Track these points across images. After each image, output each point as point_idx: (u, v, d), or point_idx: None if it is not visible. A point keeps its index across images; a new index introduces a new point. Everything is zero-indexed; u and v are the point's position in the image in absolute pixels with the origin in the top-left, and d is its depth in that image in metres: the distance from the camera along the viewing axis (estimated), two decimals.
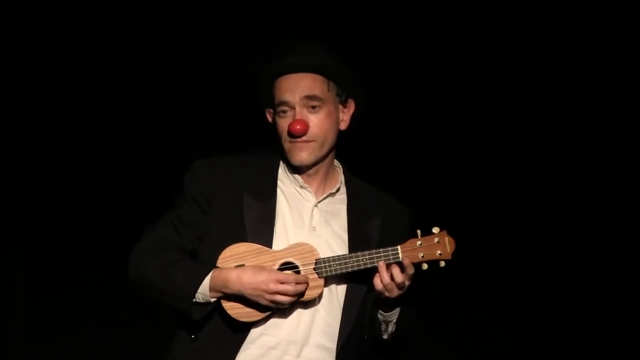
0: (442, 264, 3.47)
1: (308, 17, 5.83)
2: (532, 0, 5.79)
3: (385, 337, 3.53)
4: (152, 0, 5.83)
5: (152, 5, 5.82)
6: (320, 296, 3.46)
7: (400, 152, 5.81)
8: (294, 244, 3.46)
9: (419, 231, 3.45)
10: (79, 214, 5.98)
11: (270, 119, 3.63)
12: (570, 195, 5.93)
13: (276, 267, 3.43)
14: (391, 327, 3.52)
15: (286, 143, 3.52)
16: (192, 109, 5.99)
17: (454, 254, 3.46)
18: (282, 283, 3.34)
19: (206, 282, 3.39)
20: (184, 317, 3.47)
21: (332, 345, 3.48)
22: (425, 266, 3.45)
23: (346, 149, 3.65)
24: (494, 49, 5.85)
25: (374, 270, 3.41)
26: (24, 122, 5.87)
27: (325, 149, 3.53)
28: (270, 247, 3.46)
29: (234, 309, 3.43)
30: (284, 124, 3.52)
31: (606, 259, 5.89)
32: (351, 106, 3.60)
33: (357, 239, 3.52)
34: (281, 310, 3.43)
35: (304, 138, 3.48)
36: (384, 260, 3.41)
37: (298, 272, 3.43)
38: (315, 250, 3.44)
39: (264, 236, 3.46)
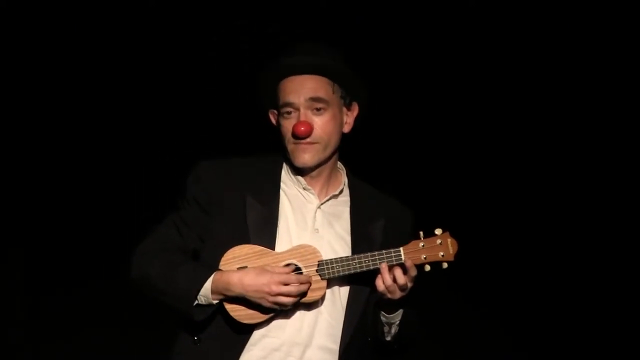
0: (445, 265, 3.46)
1: (308, 17, 5.82)
2: (532, 0, 5.77)
3: (388, 338, 3.53)
4: (152, 0, 5.81)
5: (152, 5, 5.81)
6: (323, 298, 3.46)
7: (402, 154, 5.81)
8: (297, 246, 3.46)
9: (421, 233, 3.45)
10: (79, 214, 5.98)
11: (273, 120, 3.62)
12: (570, 195, 5.93)
13: None
14: (394, 329, 3.51)
15: (290, 144, 3.52)
16: (192, 109, 5.98)
17: (456, 255, 3.46)
18: (284, 284, 3.34)
19: (208, 284, 3.39)
20: (186, 318, 3.47)
21: (335, 346, 3.49)
22: (427, 268, 3.45)
23: (349, 151, 3.65)
24: (494, 49, 5.84)
25: (377, 272, 3.41)
26: (24, 122, 5.85)
27: (328, 151, 3.53)
28: (273, 249, 3.46)
29: (237, 311, 3.43)
30: (288, 125, 3.51)
31: (606, 259, 5.89)
32: (355, 109, 3.61)
33: (360, 240, 3.52)
34: (284, 312, 3.43)
35: (308, 140, 3.48)
36: (387, 262, 3.41)
37: (300, 274, 3.43)
38: (318, 252, 3.44)
39: (267, 238, 3.46)
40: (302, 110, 3.49)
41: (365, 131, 3.66)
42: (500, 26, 5.84)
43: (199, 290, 3.40)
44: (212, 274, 3.40)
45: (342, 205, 3.60)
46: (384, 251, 3.42)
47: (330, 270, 3.42)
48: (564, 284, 5.93)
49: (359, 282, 3.49)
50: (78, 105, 5.91)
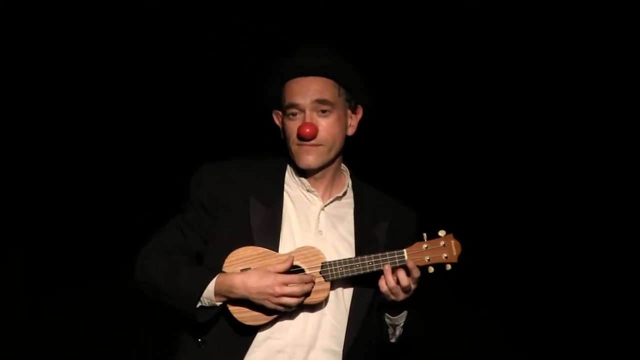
0: (449, 267, 3.47)
1: (308, 17, 5.81)
2: (532, 0, 5.77)
3: (392, 340, 3.53)
4: (152, 0, 5.80)
5: (152, 5, 5.80)
6: (326, 300, 3.46)
7: (406, 156, 5.81)
8: (300, 248, 3.46)
9: (425, 234, 3.46)
10: (79, 214, 5.97)
11: (277, 121, 3.63)
12: (569, 197, 5.93)
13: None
14: (399, 331, 3.51)
15: (294, 146, 3.52)
16: (191, 109, 5.97)
17: (460, 257, 3.46)
18: (287, 285, 3.34)
19: (211, 286, 3.39)
20: (189, 320, 3.47)
21: (339, 348, 3.49)
22: (431, 269, 3.46)
23: (352, 153, 3.65)
24: (494, 49, 5.84)
25: (381, 273, 3.41)
26: (24, 122, 5.85)
27: (332, 154, 3.53)
28: (277, 250, 3.46)
29: (240, 313, 3.43)
30: (293, 126, 3.51)
31: (605, 259, 5.89)
32: (359, 112, 3.61)
33: (364, 242, 3.52)
34: (288, 314, 3.43)
35: (312, 142, 3.48)
36: (390, 264, 3.41)
37: (304, 274, 3.43)
38: (321, 253, 3.44)
39: (271, 240, 3.46)
40: (307, 112, 3.49)
41: (368, 133, 3.65)
42: (500, 26, 5.83)
43: (202, 293, 3.40)
44: (215, 276, 3.40)
45: (346, 207, 3.60)
46: (387, 253, 3.43)
47: (334, 272, 3.42)
48: (564, 285, 5.93)
49: (363, 283, 3.49)
50: (78, 105, 5.90)
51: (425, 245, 3.45)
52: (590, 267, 5.91)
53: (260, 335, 3.45)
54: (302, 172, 3.57)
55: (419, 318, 3.55)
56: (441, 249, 3.46)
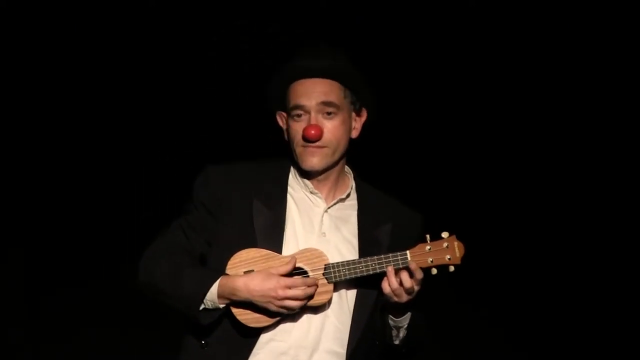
0: (452, 268, 3.47)
1: (308, 17, 5.81)
2: (532, 0, 5.77)
3: (396, 342, 3.53)
4: (152, 0, 5.80)
5: (152, 5, 5.80)
6: (329, 301, 3.46)
7: (408, 158, 5.81)
8: (303, 250, 3.46)
9: (428, 236, 3.45)
10: (80, 214, 5.97)
11: (280, 122, 3.62)
12: (569, 197, 5.94)
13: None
14: (402, 333, 3.52)
15: (298, 147, 3.52)
16: (191, 109, 5.97)
17: (463, 258, 3.46)
18: (290, 288, 3.34)
19: (214, 289, 3.39)
20: (192, 322, 3.47)
21: (342, 350, 3.49)
22: (434, 271, 3.46)
23: (356, 155, 3.65)
24: (494, 49, 5.84)
25: (384, 275, 3.41)
26: (24, 122, 5.85)
27: (336, 156, 3.53)
28: (280, 252, 3.46)
29: (243, 315, 3.43)
30: (298, 127, 3.51)
31: (605, 260, 5.90)
32: (364, 115, 3.61)
33: (367, 244, 3.52)
34: (291, 316, 3.43)
35: (317, 143, 3.48)
36: (393, 265, 3.41)
37: (307, 277, 3.43)
38: (324, 255, 3.44)
39: (274, 242, 3.46)
40: (313, 113, 3.49)
41: (372, 135, 3.65)
42: (500, 26, 5.83)
43: (205, 295, 3.39)
44: (218, 279, 3.39)
45: (350, 209, 3.60)
46: (390, 254, 3.43)
47: (337, 274, 3.42)
48: (564, 285, 5.94)
49: (366, 285, 3.49)
50: (78, 105, 5.90)
51: (428, 247, 3.45)
52: (590, 267, 5.92)
53: (263, 337, 3.45)
54: (305, 174, 3.56)
55: (423, 320, 3.55)
56: (444, 250, 3.46)
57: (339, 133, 3.50)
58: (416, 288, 3.42)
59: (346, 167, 3.65)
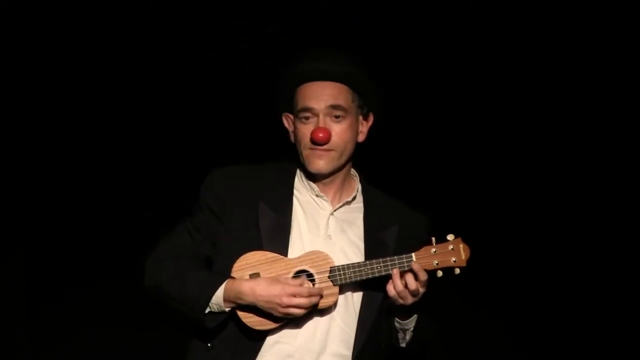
0: (457, 271, 3.48)
1: (308, 17, 5.81)
2: (532, 0, 5.78)
3: (403, 345, 3.53)
4: (152, 0, 5.79)
5: (152, 5, 5.79)
6: (335, 304, 3.46)
7: (415, 160, 5.81)
8: (309, 252, 3.46)
9: (433, 238, 3.46)
10: (80, 215, 5.97)
11: (287, 124, 3.62)
12: (568, 198, 5.94)
13: (290, 275, 3.43)
14: (409, 335, 3.52)
15: (306, 150, 3.51)
16: (191, 109, 5.97)
17: (468, 261, 3.47)
18: (295, 296, 3.34)
19: (220, 292, 3.39)
20: (198, 325, 3.47)
21: (348, 352, 3.49)
22: (440, 273, 3.47)
23: (362, 158, 3.65)
24: (494, 50, 5.84)
25: (390, 277, 3.41)
26: (24, 122, 5.84)
27: (343, 160, 3.53)
28: (286, 255, 3.46)
29: (249, 317, 3.43)
30: (305, 130, 3.51)
31: (605, 260, 5.90)
32: (370, 119, 3.62)
33: (373, 247, 3.52)
34: (297, 319, 3.42)
35: (325, 146, 3.48)
36: (399, 268, 3.41)
37: (313, 280, 3.43)
38: (330, 258, 3.44)
39: (280, 245, 3.46)
40: (321, 116, 3.49)
41: (377, 138, 3.65)
42: (500, 26, 5.83)
43: (210, 298, 3.40)
44: (224, 282, 3.40)
45: (356, 212, 3.60)
46: (395, 257, 3.43)
47: (342, 276, 3.43)
48: (564, 285, 5.94)
49: (372, 287, 3.49)
50: (78, 105, 5.89)
51: (433, 249, 3.46)
52: (590, 268, 5.92)
53: (269, 340, 3.45)
54: (311, 177, 3.57)
55: (429, 322, 3.56)
56: (450, 252, 3.46)
57: (346, 137, 3.50)
58: (421, 290, 3.42)
59: (352, 170, 3.65)
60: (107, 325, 5.93)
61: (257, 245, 3.46)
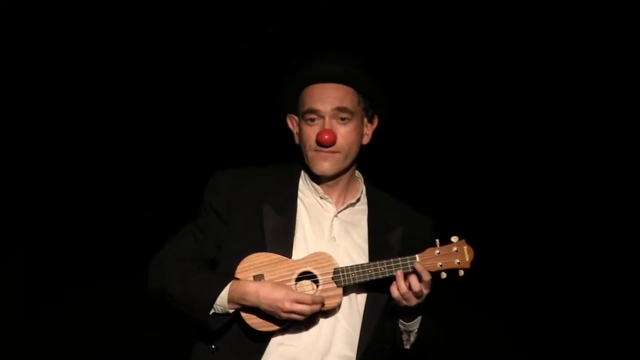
0: (461, 273, 3.48)
1: (308, 17, 5.81)
2: (532, 0, 5.78)
3: (407, 347, 3.53)
4: (152, 0, 5.79)
5: (152, 5, 5.79)
6: (339, 306, 3.46)
7: (418, 161, 5.81)
8: (313, 254, 3.47)
9: (437, 240, 3.47)
10: (80, 215, 5.97)
11: (291, 125, 3.62)
12: (568, 198, 5.94)
13: (294, 276, 3.44)
14: (413, 337, 3.52)
15: (310, 151, 3.52)
16: (191, 109, 5.96)
17: (472, 263, 3.47)
18: (297, 302, 3.35)
19: (224, 293, 3.40)
20: (202, 327, 3.47)
21: (353, 354, 3.49)
22: (444, 275, 3.47)
23: (366, 160, 3.65)
24: (494, 50, 5.84)
25: (394, 279, 3.41)
26: (25, 122, 5.84)
27: (348, 162, 3.53)
28: (290, 257, 3.46)
29: (252, 319, 3.44)
30: (311, 132, 3.51)
31: (605, 260, 5.91)
32: (375, 122, 3.62)
33: (378, 248, 3.52)
34: (301, 320, 3.42)
35: (330, 149, 3.48)
36: (402, 269, 3.42)
37: (316, 282, 3.43)
38: (334, 259, 3.45)
39: (284, 246, 3.47)
40: (327, 118, 3.49)
41: (381, 140, 3.66)
42: (500, 26, 5.83)
43: (215, 300, 3.40)
44: (228, 283, 3.41)
45: (360, 214, 3.60)
46: (399, 258, 3.44)
47: (346, 278, 3.43)
48: (564, 285, 5.94)
49: (376, 289, 3.49)
50: (78, 105, 5.89)
51: (437, 251, 3.46)
52: (590, 267, 5.92)
53: (273, 342, 3.45)
54: (316, 179, 3.57)
55: (433, 324, 3.56)
56: (454, 254, 3.47)
57: (351, 139, 3.50)
58: (425, 291, 3.42)
59: (357, 172, 3.65)
60: (107, 325, 5.92)
61: (261, 246, 3.47)
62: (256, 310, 3.41)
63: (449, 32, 5.84)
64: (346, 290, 3.47)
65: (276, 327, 3.43)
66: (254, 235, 3.48)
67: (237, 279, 3.43)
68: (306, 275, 3.44)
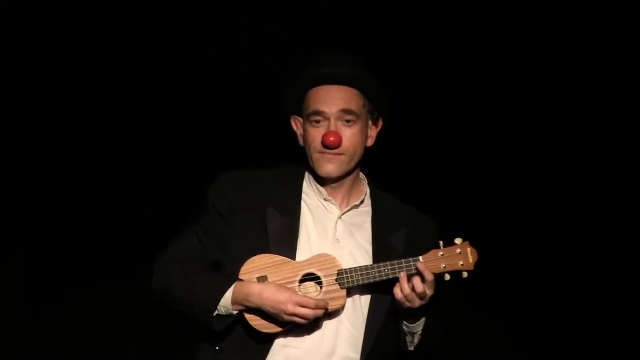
0: (465, 275, 3.48)
1: (308, 17, 5.82)
2: (532, 0, 5.78)
3: (411, 349, 3.53)
4: (152, 0, 5.79)
5: (152, 5, 5.79)
6: (343, 307, 3.46)
7: (422, 163, 5.81)
8: (316, 256, 3.47)
9: (441, 242, 3.47)
10: (80, 214, 5.96)
11: (295, 126, 3.62)
12: (568, 198, 5.95)
13: (298, 278, 3.44)
14: (417, 339, 3.52)
15: (315, 153, 3.52)
16: (191, 109, 5.97)
17: (476, 264, 3.47)
18: (301, 306, 3.35)
19: (228, 295, 3.40)
20: (206, 328, 3.47)
21: (357, 356, 3.49)
22: (447, 277, 3.47)
23: (371, 161, 3.66)
24: (494, 50, 5.85)
25: (397, 280, 3.42)
26: (25, 122, 5.84)
27: (353, 164, 3.54)
28: (294, 259, 3.46)
29: (256, 321, 3.43)
30: (316, 134, 3.51)
31: (605, 260, 5.92)
32: (380, 124, 3.63)
33: (382, 250, 3.52)
34: None
35: (335, 151, 3.48)
36: (406, 271, 3.42)
37: (320, 283, 3.44)
38: (337, 261, 3.45)
39: (288, 248, 3.47)
40: (332, 120, 3.49)
41: (387, 142, 3.66)
42: (500, 26, 5.83)
43: (219, 301, 3.40)
44: (232, 285, 3.40)
45: (364, 216, 3.60)
46: (403, 260, 3.43)
47: (350, 280, 3.43)
48: (564, 285, 5.95)
49: (380, 290, 3.49)
50: (78, 105, 5.88)
51: (441, 253, 3.46)
52: (589, 268, 5.93)
53: (277, 343, 3.45)
54: (320, 181, 3.57)
55: (437, 326, 3.56)
56: (457, 256, 3.47)
57: (356, 141, 3.51)
58: (429, 293, 3.42)
59: (361, 174, 3.65)
60: (107, 325, 5.92)
61: (265, 248, 3.47)
62: (260, 312, 3.40)
63: (449, 32, 5.83)
64: (350, 292, 3.47)
65: (280, 329, 3.43)
66: (258, 237, 3.48)
67: (241, 280, 3.43)
68: (310, 277, 3.44)
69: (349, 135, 3.49)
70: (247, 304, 3.39)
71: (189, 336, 3.66)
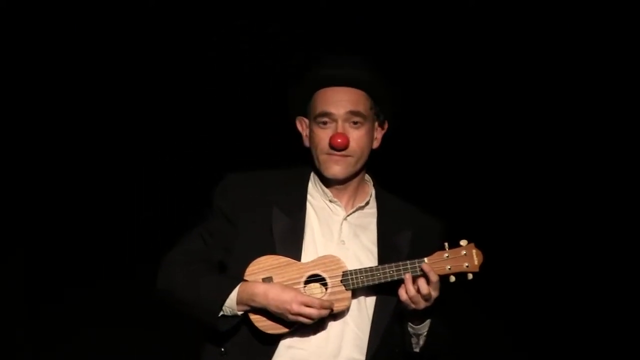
0: (470, 276, 3.49)
1: (308, 17, 5.82)
2: (532, 0, 5.79)
3: (416, 350, 3.54)
4: (152, 0, 5.79)
5: (152, 5, 5.79)
6: (348, 308, 3.46)
7: (427, 165, 5.81)
8: (321, 257, 3.47)
9: (446, 244, 3.47)
10: (80, 214, 5.96)
11: (300, 127, 3.63)
12: (569, 198, 5.96)
13: (303, 279, 3.44)
14: (422, 340, 3.52)
15: (322, 154, 3.52)
16: (191, 109, 5.96)
17: (481, 266, 3.48)
18: (306, 306, 3.35)
19: (233, 295, 3.40)
20: (211, 329, 3.48)
21: (362, 357, 3.49)
22: (452, 278, 3.47)
23: (376, 163, 3.66)
24: (495, 50, 5.85)
25: (402, 282, 3.42)
26: (25, 122, 5.83)
27: (358, 166, 3.54)
28: (299, 260, 3.47)
29: (261, 322, 3.44)
30: (323, 135, 3.51)
31: (605, 260, 5.92)
32: (386, 126, 3.63)
33: (387, 251, 3.52)
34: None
35: (342, 152, 3.49)
36: (411, 272, 3.42)
37: (325, 285, 3.44)
38: (342, 262, 3.45)
39: (293, 249, 3.47)
40: (339, 122, 3.50)
41: (392, 143, 3.66)
42: (500, 26, 5.84)
43: (224, 301, 3.41)
44: (237, 285, 3.41)
45: (369, 217, 3.61)
46: (408, 261, 3.44)
47: (355, 281, 3.43)
48: (564, 285, 5.96)
49: (385, 292, 3.49)
50: (78, 105, 5.88)
51: (446, 254, 3.46)
52: (589, 268, 5.94)
53: (283, 344, 3.45)
54: (325, 182, 3.57)
55: (442, 327, 3.56)
56: (462, 258, 3.47)
57: (363, 143, 3.51)
58: (434, 294, 3.42)
59: (366, 175, 3.65)
60: (107, 325, 5.92)
61: (270, 249, 3.47)
62: (265, 313, 3.41)
63: (449, 32, 5.83)
64: (355, 293, 3.47)
65: (285, 330, 3.43)
66: (263, 238, 3.48)
67: (246, 281, 3.43)
68: (315, 278, 3.45)
69: (356, 137, 3.50)
70: (252, 304, 3.39)
71: (189, 336, 3.66)
